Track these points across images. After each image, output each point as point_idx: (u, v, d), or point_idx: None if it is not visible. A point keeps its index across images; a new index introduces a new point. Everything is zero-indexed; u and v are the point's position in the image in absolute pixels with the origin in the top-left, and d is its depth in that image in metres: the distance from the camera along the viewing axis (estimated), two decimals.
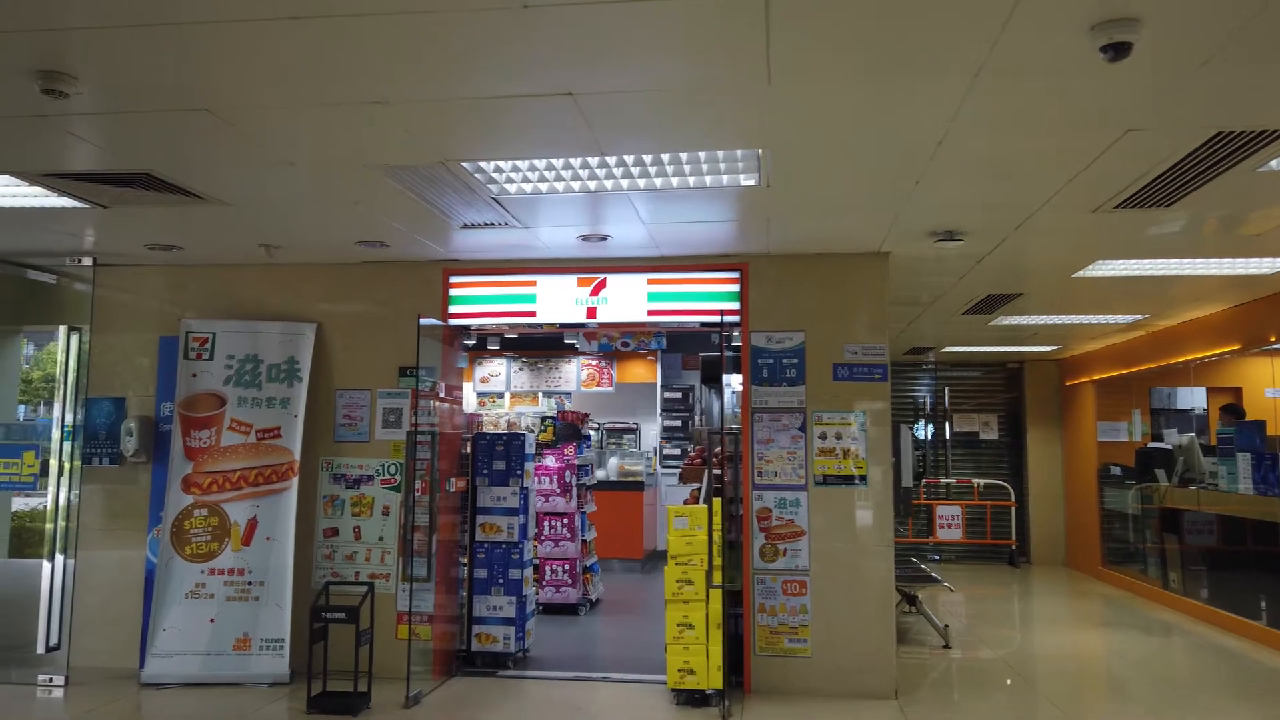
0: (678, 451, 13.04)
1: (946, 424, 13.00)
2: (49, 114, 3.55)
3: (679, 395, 13.15)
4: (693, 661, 5.54)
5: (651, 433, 13.09)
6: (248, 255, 6.22)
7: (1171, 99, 3.31)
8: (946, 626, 7.34)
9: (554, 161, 4.18)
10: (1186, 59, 2.97)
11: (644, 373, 13.08)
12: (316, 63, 3.09)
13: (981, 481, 12.82)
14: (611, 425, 12.74)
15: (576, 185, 4.55)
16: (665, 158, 4.12)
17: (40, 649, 5.97)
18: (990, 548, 12.78)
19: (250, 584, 6.10)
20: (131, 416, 6.46)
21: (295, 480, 6.23)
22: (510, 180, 4.48)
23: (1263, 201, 4.61)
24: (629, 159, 4.12)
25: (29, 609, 6.18)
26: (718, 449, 6.68)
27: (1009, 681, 6.36)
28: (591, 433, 11.32)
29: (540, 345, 12.72)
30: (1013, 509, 12.67)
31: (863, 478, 5.91)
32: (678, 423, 13.10)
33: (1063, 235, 5.41)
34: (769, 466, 6.00)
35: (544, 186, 4.58)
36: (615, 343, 9.29)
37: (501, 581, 6.56)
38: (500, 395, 13.29)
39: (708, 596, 5.60)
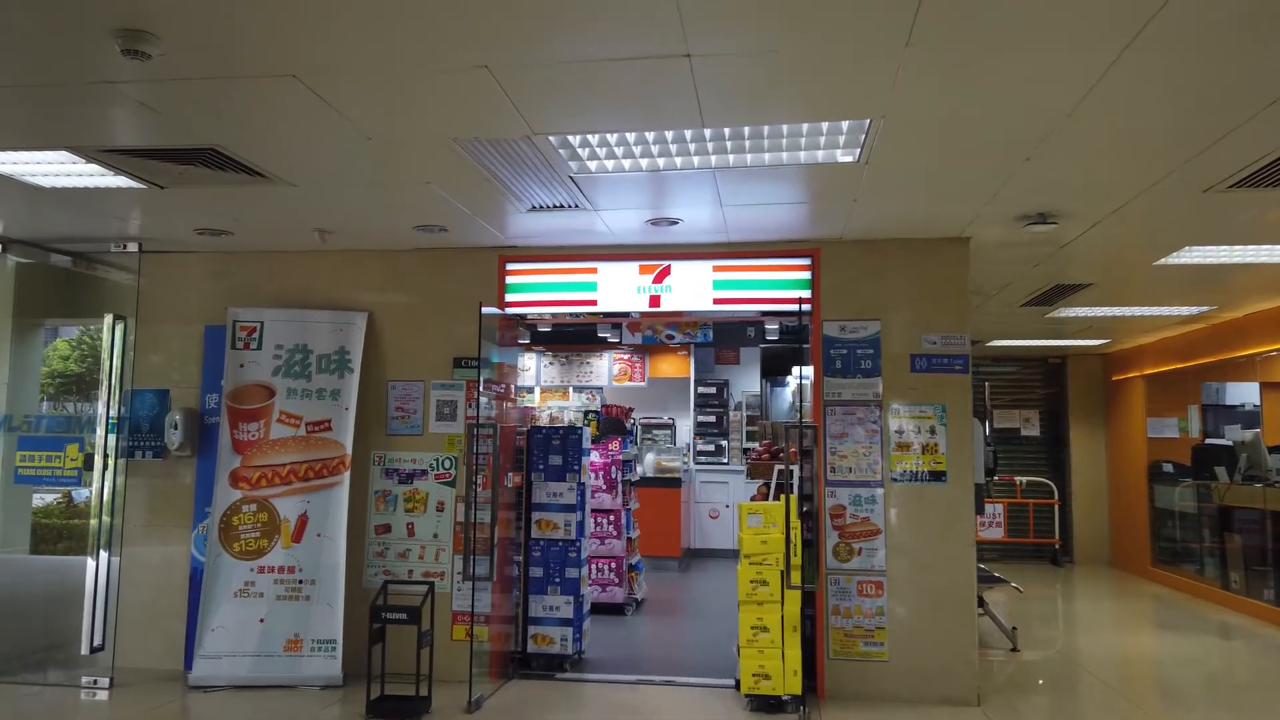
0: (712, 448, 12.79)
1: (988, 421, 12.71)
2: (120, 79, 3.31)
3: (713, 390, 12.89)
4: (768, 666, 5.29)
5: (685, 428, 12.84)
6: (299, 241, 5.98)
7: None
8: (1015, 629, 7.07)
9: (645, 135, 3.93)
10: None
11: (677, 367, 12.81)
12: (420, 22, 2.84)
13: (1024, 479, 12.54)
14: (646, 421, 12.48)
15: (662, 162, 4.30)
16: (765, 130, 3.86)
17: (85, 649, 5.74)
18: (1032, 546, 12.50)
19: (301, 583, 5.86)
20: (176, 408, 6.23)
21: (347, 475, 5.99)
22: (594, 157, 4.23)
23: None
24: (726, 131, 3.87)
25: (69, 607, 5.95)
26: (787, 443, 6.43)
27: (1091, 687, 6.09)
28: (631, 428, 11.07)
29: (571, 339, 12.47)
30: (1055, 507, 12.39)
31: (942, 474, 5.65)
32: (712, 418, 12.84)
33: (1160, 218, 5.14)
34: (842, 462, 5.74)
35: (627, 164, 4.33)
36: (660, 335, 9.05)
37: (558, 580, 6.32)
38: (530, 390, 13.05)
39: (783, 598, 5.35)
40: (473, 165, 4.31)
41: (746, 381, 13.40)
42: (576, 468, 6.41)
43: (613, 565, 8.21)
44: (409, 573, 6.03)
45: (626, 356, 12.79)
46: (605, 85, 3.35)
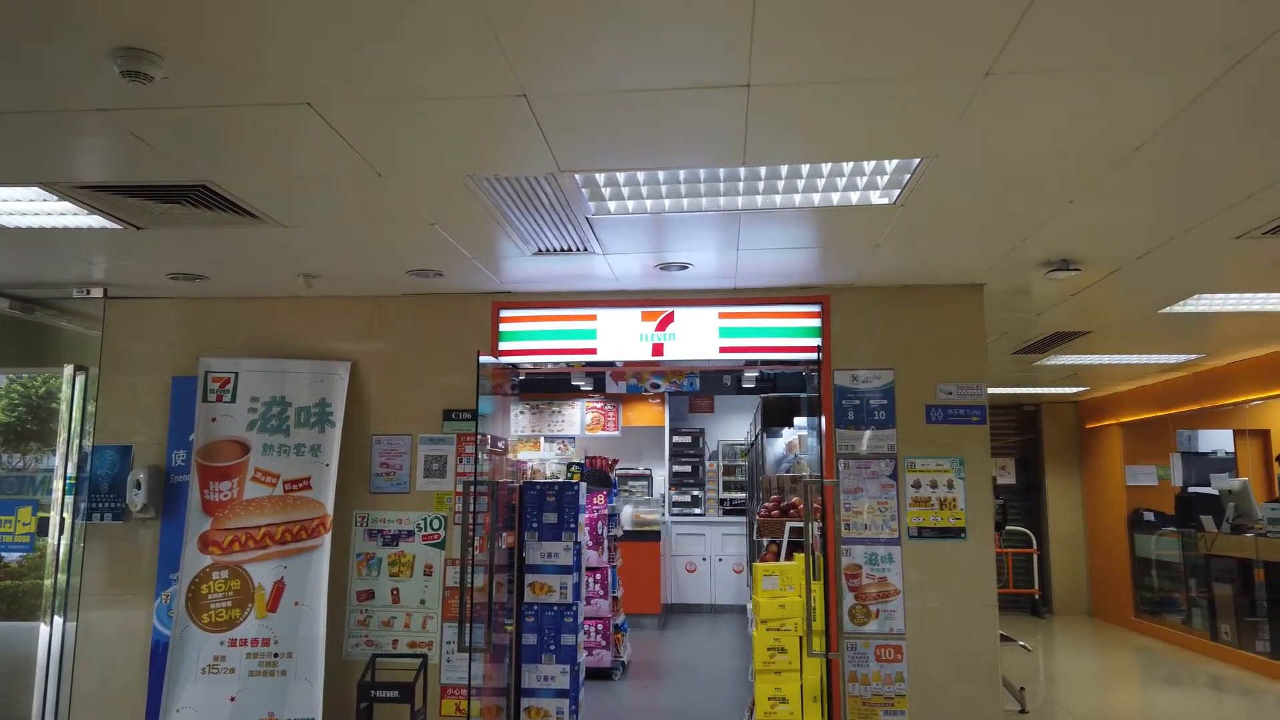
0: (688, 498, 12.48)
1: None
2: (113, 107, 2.97)
3: (689, 439, 12.61)
4: None
5: (660, 478, 12.51)
6: (280, 286, 5.60)
7: None
8: (1022, 689, 6.82)
9: (678, 174, 3.68)
10: None
11: (651, 416, 12.52)
12: (455, 45, 2.57)
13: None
14: (623, 471, 12.14)
15: (687, 203, 4.06)
16: (804, 170, 3.65)
17: None
18: (1011, 598, 12.35)
19: (277, 656, 5.38)
20: (139, 466, 5.75)
21: (327, 537, 5.56)
22: (616, 196, 3.97)
23: None
24: (762, 171, 3.65)
25: (19, 678, 5.40)
26: (794, 499, 6.16)
27: None
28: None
29: (543, 387, 12.10)
30: (1034, 556, 12.28)
31: (961, 530, 5.41)
32: (688, 468, 12.55)
33: (1181, 265, 5.03)
34: (857, 518, 5.48)
35: (650, 204, 4.08)
36: (645, 383, 8.75)
37: (553, 648, 5.91)
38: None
39: (801, 667, 5.04)
40: (485, 205, 4.02)
41: (723, 430, 13.15)
42: (573, 526, 6.05)
43: (600, 627, 7.82)
44: (394, 643, 5.59)
45: (600, 405, 12.47)
46: (650, 118, 3.10)
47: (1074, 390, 11.31)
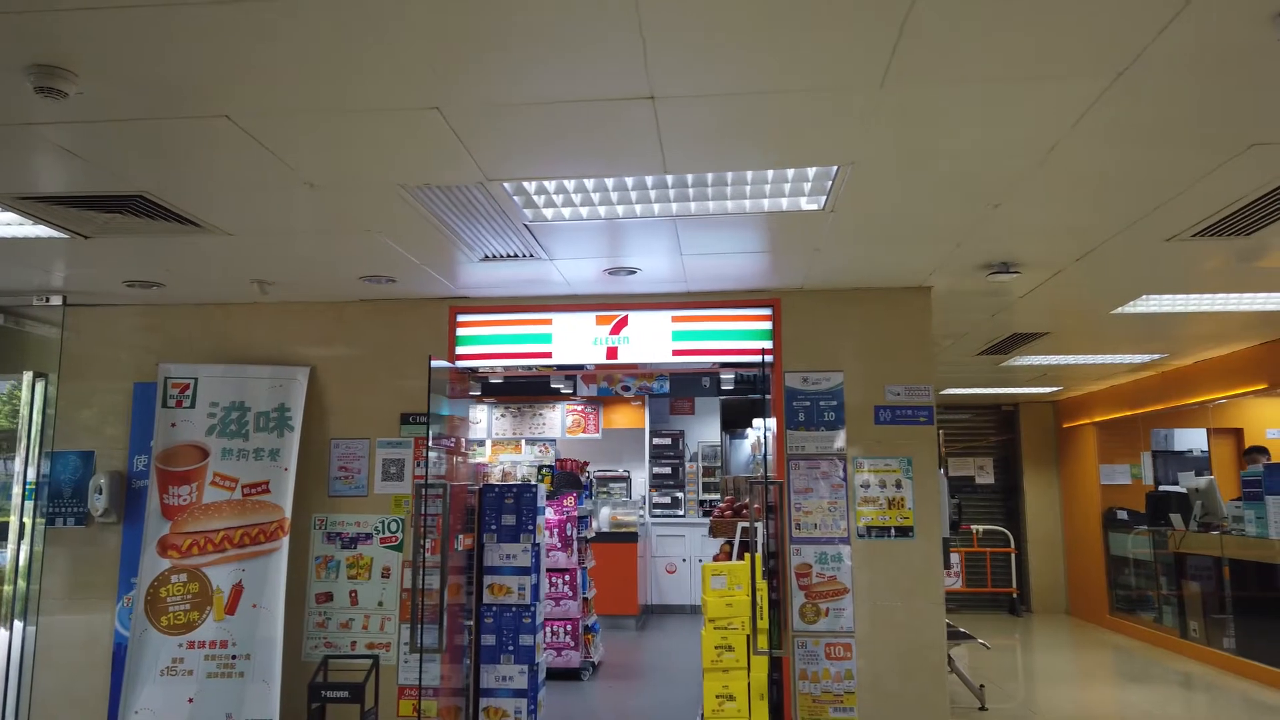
0: (668, 500, 12.55)
1: (943, 469, 12.67)
2: (36, 121, 3.05)
3: (668, 441, 12.68)
4: None
5: (640, 480, 12.58)
6: (237, 293, 5.68)
7: None
8: (982, 687, 6.89)
9: (605, 181, 3.76)
10: None
11: (631, 418, 12.59)
12: (365, 60, 2.65)
13: (980, 528, 12.49)
14: (602, 474, 12.21)
15: (621, 210, 4.13)
16: (729, 177, 3.72)
17: None
18: (990, 596, 12.42)
19: (235, 658, 5.45)
20: (101, 472, 5.83)
21: (286, 540, 5.63)
22: (550, 204, 4.04)
23: None
24: (689, 178, 3.72)
25: None
26: (748, 499, 6.22)
27: None
28: (587, 482, 10.80)
29: (523, 391, 12.18)
30: (1012, 555, 12.34)
31: (909, 529, 5.49)
32: (668, 470, 12.62)
33: (1121, 267, 5.11)
34: (807, 518, 5.55)
35: (584, 211, 4.15)
36: (616, 386, 8.83)
37: (512, 649, 5.98)
38: (481, 444, 12.70)
39: (749, 664, 5.10)
40: (422, 214, 4.10)
41: (702, 432, 13.22)
42: (531, 527, 6.12)
43: (568, 627, 7.88)
44: (352, 644, 5.66)
45: (580, 408, 12.55)
46: (564, 128, 3.18)
47: (1049, 390, 11.38)
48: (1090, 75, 2.77)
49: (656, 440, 12.65)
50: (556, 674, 7.78)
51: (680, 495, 12.53)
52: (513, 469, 10.89)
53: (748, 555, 5.31)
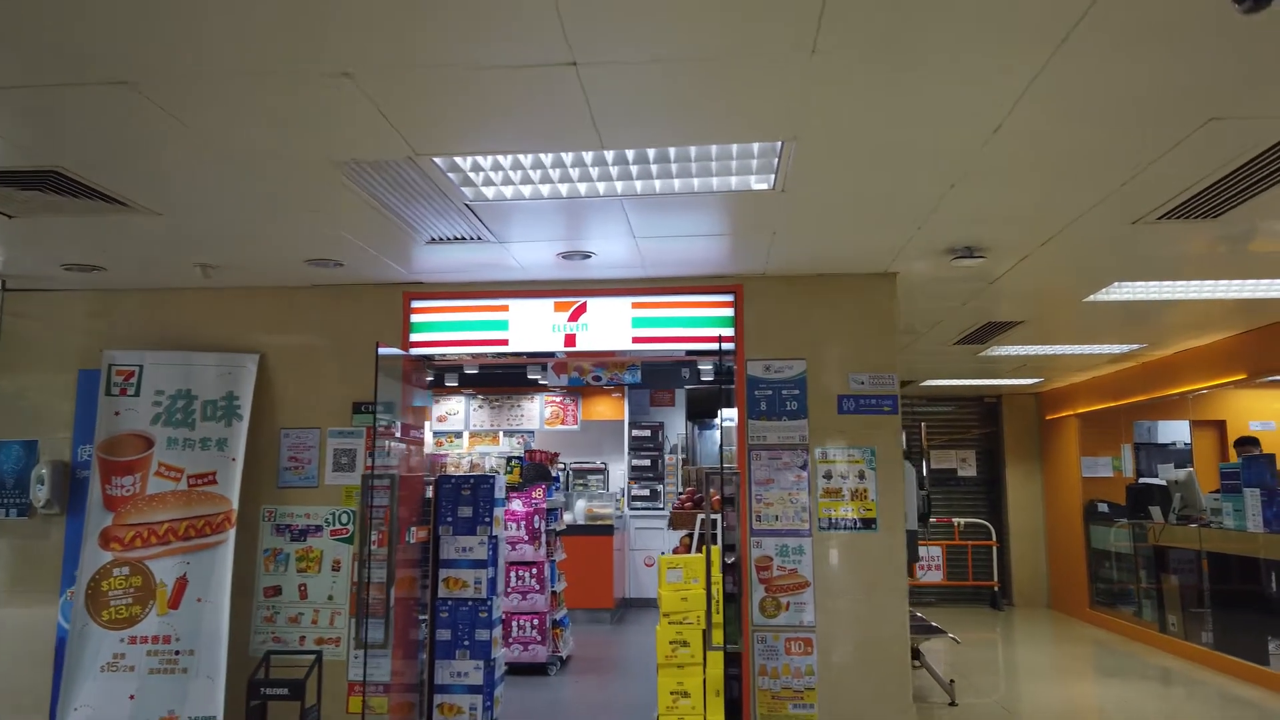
0: (646, 492, 12.40)
1: (924, 461, 12.54)
2: None
3: (648, 433, 12.52)
4: None
5: (619, 473, 12.43)
6: (181, 277, 5.51)
7: (1276, 76, 2.84)
8: (952, 682, 6.76)
9: (542, 158, 3.59)
10: None
11: (611, 410, 12.45)
12: (265, 20, 2.48)
13: (961, 521, 12.37)
14: (578, 465, 12.06)
15: (564, 188, 3.97)
16: (672, 153, 3.56)
17: None
18: (971, 589, 12.31)
19: (178, 653, 5.29)
20: (44, 462, 5.66)
21: (232, 532, 5.47)
22: (488, 182, 3.88)
23: None
24: (630, 154, 3.56)
25: None
26: (710, 490, 6.08)
27: None
28: (558, 474, 10.66)
29: (500, 381, 12.01)
30: (994, 549, 12.23)
31: (873, 521, 5.34)
32: (646, 462, 12.46)
33: (1089, 252, 4.96)
34: (768, 510, 5.40)
35: (526, 190, 3.99)
36: (586, 376, 8.66)
37: (467, 644, 5.83)
38: (459, 435, 12.54)
39: (705, 660, 4.96)
40: (356, 192, 3.93)
41: (683, 423, 13.06)
42: (488, 519, 5.96)
43: (535, 622, 7.74)
44: (300, 639, 5.51)
45: (559, 399, 12.40)
46: (486, 98, 3.01)
47: (1031, 382, 11.25)
48: (1029, 45, 2.61)
49: (636, 432, 12.49)
50: (522, 669, 7.64)
51: (659, 488, 12.38)
52: (481, 461, 10.73)
53: (713, 549, 5.17)
